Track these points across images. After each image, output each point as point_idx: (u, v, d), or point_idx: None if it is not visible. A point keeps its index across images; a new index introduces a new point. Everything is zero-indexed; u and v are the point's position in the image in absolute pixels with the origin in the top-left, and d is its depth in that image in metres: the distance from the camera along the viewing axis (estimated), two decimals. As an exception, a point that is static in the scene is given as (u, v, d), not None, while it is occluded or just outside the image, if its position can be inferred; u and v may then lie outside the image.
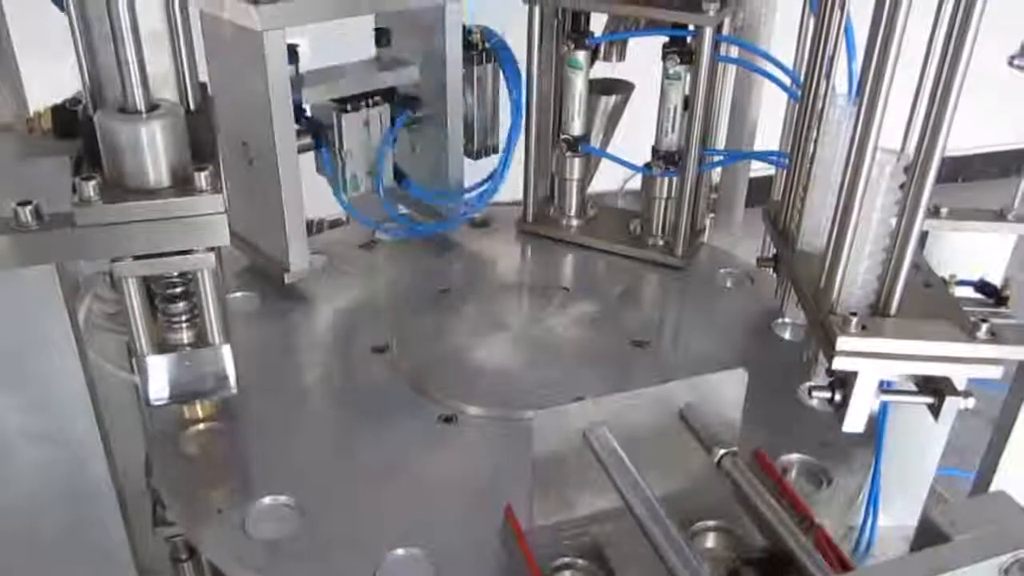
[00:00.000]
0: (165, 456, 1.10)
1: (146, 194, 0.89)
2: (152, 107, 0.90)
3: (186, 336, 1.03)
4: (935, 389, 1.04)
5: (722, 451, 0.88)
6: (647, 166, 1.55)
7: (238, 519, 1.01)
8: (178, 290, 1.01)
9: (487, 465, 1.12)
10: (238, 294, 1.43)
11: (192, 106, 0.97)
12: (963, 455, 1.39)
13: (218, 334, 1.01)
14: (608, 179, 1.85)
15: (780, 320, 1.38)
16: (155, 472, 1.11)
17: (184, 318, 1.02)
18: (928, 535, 0.72)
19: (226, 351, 1.02)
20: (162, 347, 1.01)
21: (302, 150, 1.39)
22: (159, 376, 1.01)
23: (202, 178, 0.88)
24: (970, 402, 1.02)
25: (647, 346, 1.33)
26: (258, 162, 1.37)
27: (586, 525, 0.93)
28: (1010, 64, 1.39)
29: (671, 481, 0.93)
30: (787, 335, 1.37)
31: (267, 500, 1.03)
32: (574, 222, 1.65)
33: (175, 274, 0.99)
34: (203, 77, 1.13)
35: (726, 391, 0.93)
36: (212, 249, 0.94)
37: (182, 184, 0.90)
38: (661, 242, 1.57)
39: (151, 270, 0.93)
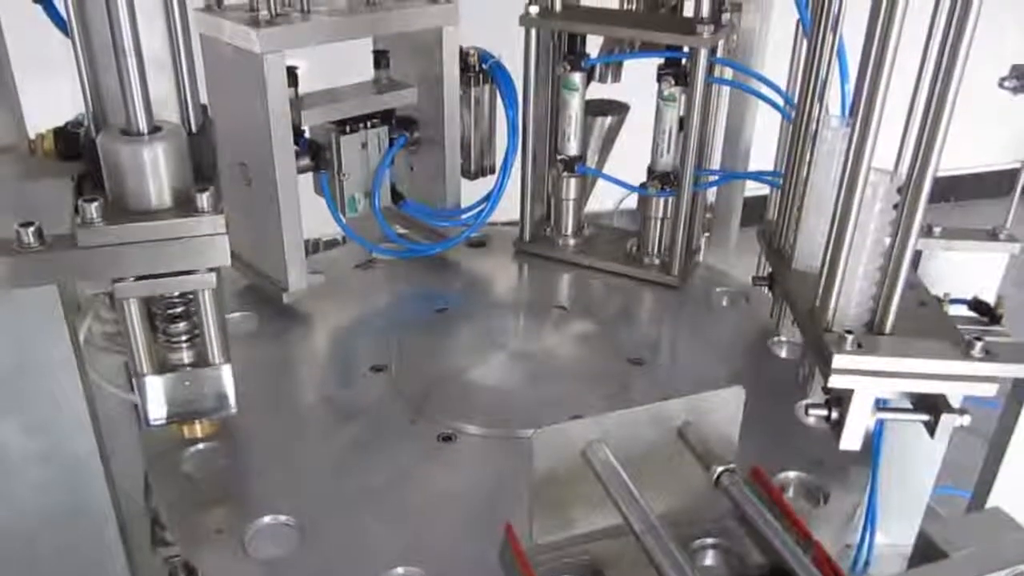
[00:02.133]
0: (164, 476, 1.10)
1: (148, 215, 0.89)
2: (154, 129, 0.90)
3: (186, 356, 1.03)
4: (931, 406, 1.05)
5: (720, 468, 0.89)
6: (643, 186, 1.56)
7: (237, 539, 1.01)
8: (179, 310, 1.01)
9: (486, 484, 1.12)
10: (237, 314, 1.43)
11: (193, 128, 0.98)
12: (958, 474, 1.40)
13: (219, 354, 1.01)
14: (604, 199, 1.87)
15: (776, 339, 1.39)
16: (154, 492, 1.11)
17: (184, 338, 1.02)
18: (925, 552, 0.73)
19: (226, 371, 1.02)
20: (162, 367, 1.02)
21: (300, 171, 1.40)
22: (158, 396, 1.01)
23: (203, 199, 0.89)
24: (965, 419, 1.03)
25: (644, 365, 1.34)
26: (257, 183, 1.38)
27: (586, 543, 0.93)
28: (1000, 86, 1.41)
29: (670, 498, 0.94)
30: (783, 353, 1.38)
31: (266, 520, 1.03)
32: (571, 242, 1.66)
33: (176, 294, 1.00)
34: (203, 99, 1.14)
35: (724, 409, 0.94)
36: (213, 269, 0.94)
37: (184, 205, 0.90)
38: (657, 261, 1.59)
39: (152, 290, 0.94)
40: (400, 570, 0.97)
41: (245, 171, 1.39)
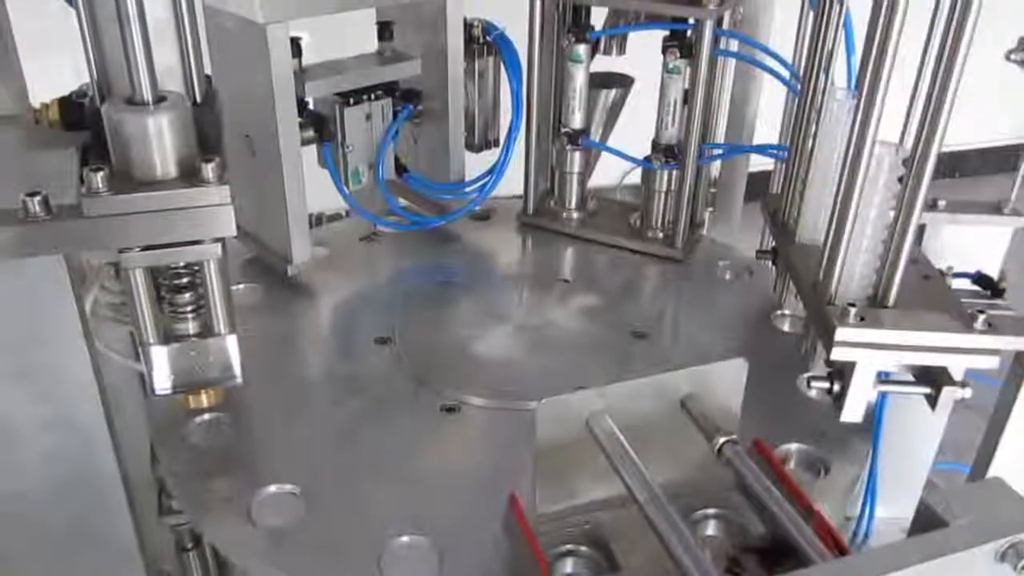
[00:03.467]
0: (170, 446, 1.11)
1: (153, 185, 0.89)
2: (159, 99, 0.90)
3: (192, 327, 1.03)
4: (932, 379, 1.05)
5: (723, 439, 0.89)
6: (647, 159, 1.56)
7: (243, 507, 1.02)
8: (184, 280, 1.01)
9: (490, 454, 1.13)
10: (241, 286, 1.44)
11: (198, 98, 0.98)
12: (958, 449, 1.40)
13: (224, 324, 1.01)
14: (607, 173, 1.86)
15: (779, 312, 1.39)
16: (160, 461, 1.12)
17: (190, 309, 1.03)
18: (925, 520, 0.73)
19: (231, 341, 1.03)
20: (167, 337, 1.02)
21: (304, 143, 1.40)
22: (164, 365, 1.02)
23: (209, 169, 0.89)
24: (967, 392, 1.04)
25: (647, 338, 1.35)
26: (260, 155, 1.37)
27: (589, 513, 0.94)
28: (1007, 58, 1.40)
29: (672, 469, 0.95)
30: (786, 327, 1.38)
31: (272, 488, 1.04)
32: (574, 215, 1.66)
33: (181, 264, 1.00)
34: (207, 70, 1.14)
35: (726, 380, 0.95)
36: (219, 240, 0.95)
37: (189, 175, 0.90)
38: (661, 235, 1.59)
39: (158, 260, 0.94)
40: (405, 538, 0.98)
41: (249, 143, 1.39)
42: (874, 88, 0.98)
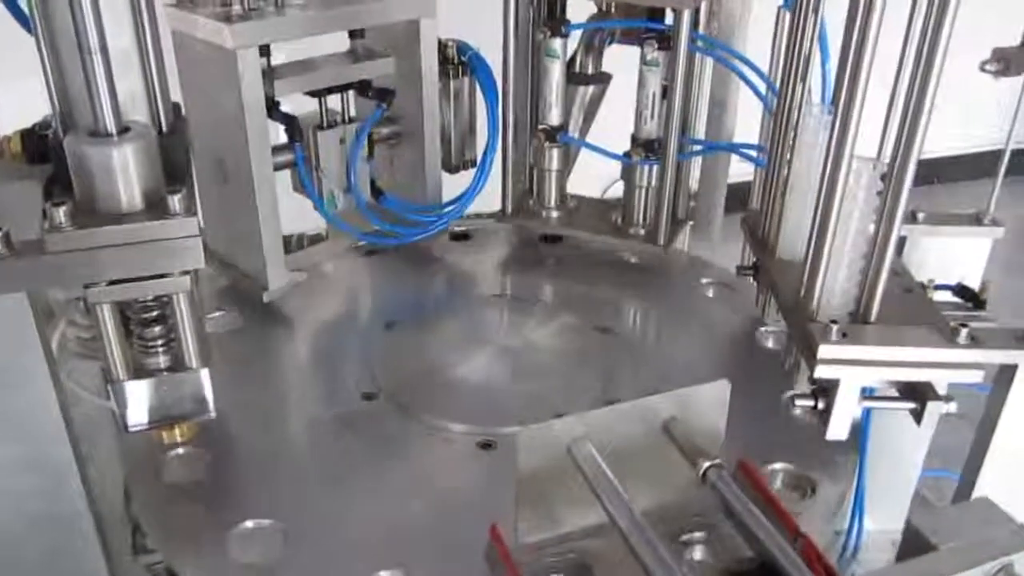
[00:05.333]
0: (143, 482, 1.08)
1: (118, 218, 0.87)
2: (123, 129, 0.88)
3: (163, 360, 1.01)
4: (917, 394, 1.04)
5: (706, 463, 0.88)
6: (627, 154, 1.55)
7: (219, 544, 0.99)
8: (154, 314, 0.99)
9: (472, 483, 1.11)
10: (217, 313, 1.41)
11: (164, 127, 0.96)
12: (947, 456, 1.39)
13: (195, 358, 0.99)
14: (588, 184, 1.84)
15: (763, 329, 1.38)
16: (133, 498, 1.09)
17: (160, 342, 1.00)
18: (914, 544, 0.72)
19: (204, 374, 1.01)
20: (138, 372, 1.00)
21: (278, 167, 1.38)
22: (136, 402, 0.99)
23: (175, 201, 0.87)
24: (952, 406, 1.03)
25: (628, 357, 1.33)
26: (233, 180, 1.35)
27: (573, 541, 0.92)
28: (981, 69, 1.40)
29: (657, 494, 0.93)
30: (770, 344, 1.37)
31: (249, 524, 1.02)
32: (554, 213, 1.65)
33: (150, 298, 0.98)
34: (176, 96, 1.12)
35: (709, 403, 0.93)
36: (187, 272, 0.93)
37: (155, 207, 0.88)
38: (643, 231, 1.57)
39: (125, 295, 0.92)
40: (384, 573, 0.95)
41: (221, 168, 1.37)
42: (850, 102, 0.97)
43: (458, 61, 1.54)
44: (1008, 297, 1.39)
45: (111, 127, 0.87)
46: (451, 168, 1.62)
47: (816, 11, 1.18)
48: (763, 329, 1.37)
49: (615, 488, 0.84)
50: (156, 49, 0.95)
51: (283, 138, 1.41)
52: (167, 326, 1.00)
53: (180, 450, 1.11)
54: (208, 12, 1.27)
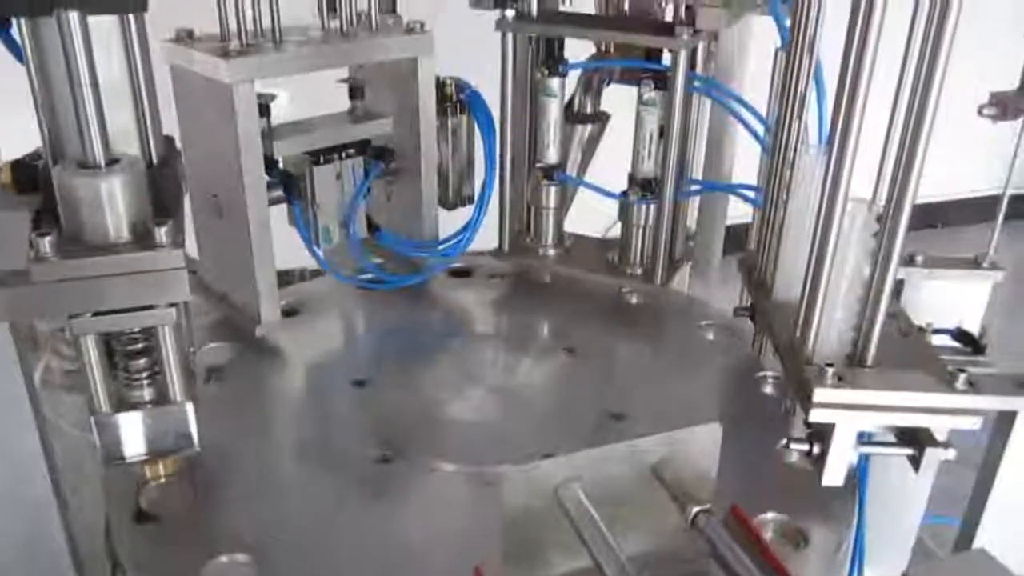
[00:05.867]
0: (122, 514, 1.06)
1: (104, 250, 0.87)
2: (112, 161, 0.88)
3: (147, 393, 1.00)
4: (914, 440, 1.02)
5: (696, 509, 0.85)
6: (624, 193, 1.55)
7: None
8: (139, 346, 0.98)
9: (460, 524, 1.09)
10: (209, 346, 1.40)
11: (155, 159, 0.95)
12: (948, 502, 1.37)
13: (180, 392, 0.98)
14: (588, 224, 1.84)
15: (762, 374, 1.36)
16: (113, 533, 1.07)
17: (145, 375, 0.99)
18: (908, 597, 0.69)
19: (189, 409, 0.99)
20: (122, 404, 0.98)
21: (272, 203, 1.38)
22: (118, 435, 0.98)
23: (162, 233, 0.86)
24: (950, 453, 1.01)
25: (625, 403, 1.31)
26: (228, 215, 1.35)
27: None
28: (979, 114, 1.40)
29: (647, 538, 0.91)
30: (769, 390, 1.35)
31: (223, 559, 1.00)
32: (551, 252, 1.64)
33: (136, 329, 0.97)
34: (172, 129, 1.12)
35: (700, 445, 0.91)
36: (174, 305, 0.92)
37: (142, 239, 0.88)
38: (640, 271, 1.57)
39: (110, 327, 0.91)
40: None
41: (216, 203, 1.36)
42: (844, 144, 0.97)
43: (456, 99, 1.55)
44: (1009, 341, 1.38)
45: (99, 158, 0.87)
46: (448, 205, 1.62)
47: (811, 50, 1.18)
48: (760, 374, 1.35)
49: (602, 533, 0.82)
50: (148, 81, 0.95)
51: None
52: (152, 358, 0.98)
53: (162, 480, 1.09)
54: (205, 47, 1.27)
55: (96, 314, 0.89)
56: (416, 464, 1.17)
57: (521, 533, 0.86)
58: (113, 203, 0.87)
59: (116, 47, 0.90)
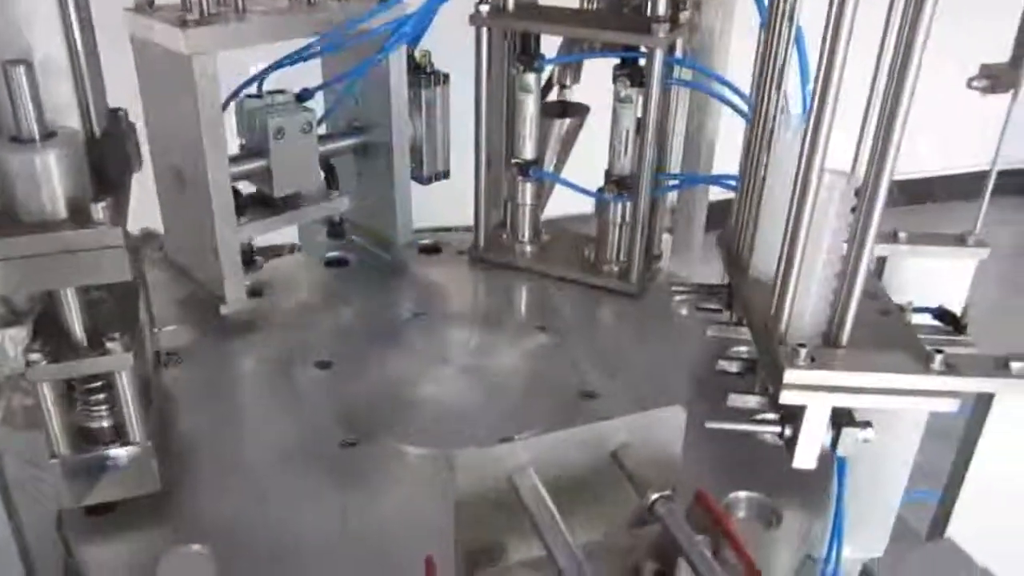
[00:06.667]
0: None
1: (39, 227, 0.83)
2: (48, 135, 0.84)
3: (106, 423, 0.98)
4: (832, 420, 0.99)
5: (655, 495, 0.82)
6: (600, 191, 1.50)
7: (149, 568, 0.94)
8: (98, 383, 0.96)
9: (426, 509, 1.05)
10: (173, 327, 1.37)
11: (97, 133, 0.91)
12: (939, 475, 1.34)
13: (139, 432, 0.96)
14: (577, 201, 1.80)
15: (736, 350, 1.32)
16: (65, 524, 1.03)
17: (104, 408, 0.97)
18: (868, 590, 0.67)
19: (148, 450, 0.97)
20: (83, 437, 0.97)
21: (236, 178, 1.34)
22: (77, 479, 0.96)
23: (99, 210, 0.83)
24: (869, 433, 0.99)
25: (598, 376, 1.28)
26: (191, 189, 1.31)
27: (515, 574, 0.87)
28: (968, 86, 1.36)
29: (607, 526, 0.88)
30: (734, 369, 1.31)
31: (180, 549, 0.96)
32: (527, 248, 1.60)
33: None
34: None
35: (663, 429, 0.88)
36: (128, 348, 0.91)
37: (79, 216, 0.84)
38: (616, 268, 1.52)
39: (67, 374, 0.90)
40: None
41: (179, 176, 1.33)
42: (821, 113, 0.93)
43: (431, 70, 1.50)
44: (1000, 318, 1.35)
45: (34, 132, 0.83)
46: (423, 180, 1.58)
47: (791, 18, 1.13)
48: (736, 350, 1.32)
49: (556, 521, 0.79)
50: (91, 53, 0.91)
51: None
52: (112, 394, 0.96)
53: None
54: (165, 17, 1.23)
55: (51, 362, 0.88)
56: (382, 448, 1.14)
57: (475, 520, 0.83)
58: (48, 179, 0.83)
59: (53, 17, 0.86)
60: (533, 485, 0.82)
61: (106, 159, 0.90)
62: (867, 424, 0.98)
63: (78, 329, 0.91)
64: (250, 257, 1.44)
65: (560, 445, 0.85)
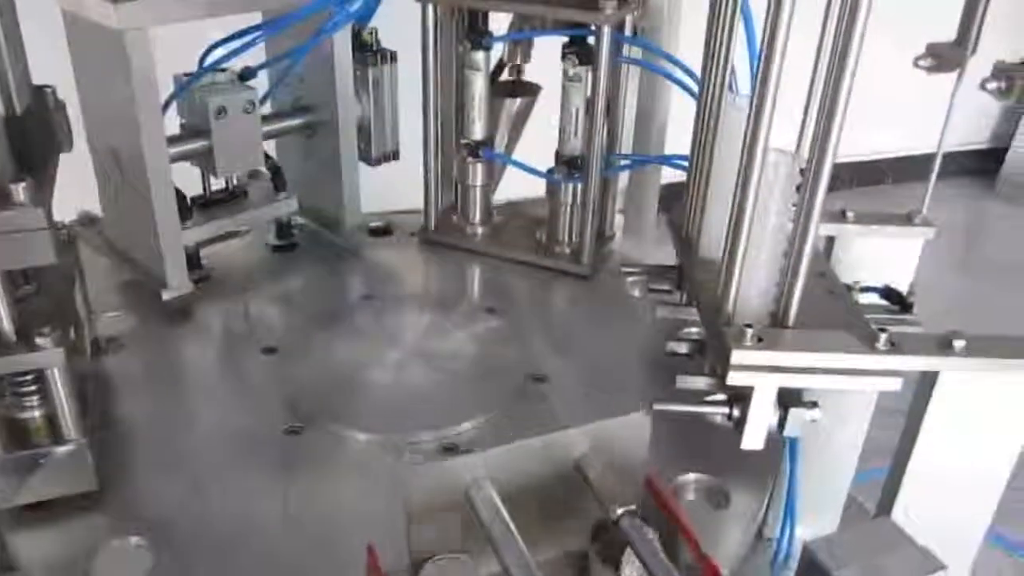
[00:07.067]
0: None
1: (-43, 210, 0.79)
2: (-38, 112, 0.80)
3: (38, 413, 0.96)
4: (780, 400, 0.99)
5: (620, 510, 0.80)
6: (550, 171, 1.48)
7: (86, 561, 0.91)
8: (29, 376, 0.94)
9: (372, 496, 1.03)
10: (112, 313, 1.33)
11: (18, 110, 0.87)
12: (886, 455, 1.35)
13: (74, 429, 0.94)
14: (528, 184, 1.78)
15: (686, 331, 1.32)
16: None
17: (36, 399, 0.95)
18: (808, 570, 0.66)
19: (83, 447, 0.95)
20: (12, 429, 0.94)
21: (175, 159, 1.30)
22: (9, 477, 0.93)
23: (20, 191, 0.79)
24: (815, 413, 0.99)
25: (548, 359, 1.27)
26: (128, 172, 1.27)
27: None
28: (915, 65, 1.36)
29: (569, 540, 0.86)
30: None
31: (116, 543, 0.94)
32: (479, 230, 1.58)
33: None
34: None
35: (627, 438, 0.85)
36: (60, 344, 0.88)
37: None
38: (568, 250, 1.51)
39: None
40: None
41: (116, 158, 1.28)
42: (765, 91, 0.92)
43: (377, 48, 1.47)
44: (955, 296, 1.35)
45: (-53, 109, 0.79)
46: (371, 161, 1.55)
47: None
48: (686, 331, 1.31)
49: (514, 537, 0.75)
50: (10, 29, 0.87)
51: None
52: (42, 386, 0.93)
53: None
54: (98, -10, 1.18)
55: None
56: (326, 434, 1.12)
57: (430, 535, 0.80)
58: (-37, 158, 0.79)
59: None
60: (490, 499, 0.79)
61: (29, 138, 0.87)
62: (814, 404, 0.97)
63: (5, 323, 0.88)
64: (196, 261, 1.42)
65: (519, 456, 0.82)
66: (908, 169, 4.15)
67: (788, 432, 0.99)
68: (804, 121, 1.00)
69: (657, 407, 1.04)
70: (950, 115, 1.27)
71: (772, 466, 1.12)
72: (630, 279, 1.45)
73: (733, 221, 1.00)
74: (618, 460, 0.85)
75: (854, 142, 0.97)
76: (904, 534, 0.68)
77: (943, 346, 0.96)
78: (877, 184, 4.13)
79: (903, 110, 3.35)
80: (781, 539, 1.33)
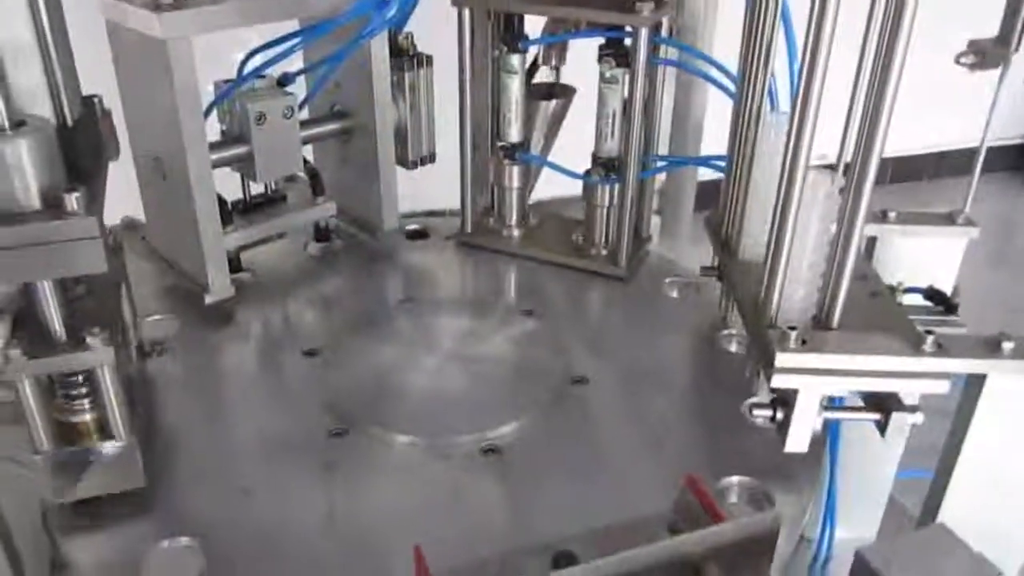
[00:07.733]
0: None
1: (11, 219, 0.81)
2: (18, 123, 0.82)
3: (88, 416, 0.97)
4: (881, 405, 0.98)
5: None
6: (587, 173, 1.48)
7: (136, 562, 0.93)
8: (79, 378, 0.95)
9: (416, 498, 1.04)
10: (157, 317, 1.35)
11: (69, 121, 0.89)
12: (926, 454, 1.33)
13: (123, 428, 0.95)
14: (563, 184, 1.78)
15: (726, 332, 1.32)
16: (50, 518, 1.02)
17: (87, 402, 0.96)
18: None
19: (132, 444, 0.96)
20: (64, 432, 0.96)
21: (217, 165, 1.31)
22: (61, 475, 0.95)
23: (73, 200, 0.81)
24: (918, 417, 0.97)
25: (587, 361, 1.27)
26: (171, 178, 1.29)
27: None
28: (956, 62, 1.34)
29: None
30: (733, 347, 1.31)
31: (164, 544, 0.95)
32: (515, 232, 1.58)
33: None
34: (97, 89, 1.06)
35: (754, 538, 0.77)
36: (109, 344, 0.89)
37: (53, 207, 0.82)
38: (604, 252, 1.51)
39: (46, 369, 0.89)
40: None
41: (159, 165, 1.30)
42: (804, 117, 0.91)
43: (413, 53, 1.48)
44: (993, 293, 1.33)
45: (2, 120, 0.80)
46: (408, 164, 1.56)
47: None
48: (726, 332, 1.31)
49: None
50: (61, 40, 0.88)
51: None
52: (92, 386, 0.95)
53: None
54: (140, 1, 1.20)
55: (31, 357, 0.87)
56: (370, 437, 1.12)
57: None
58: (19, 168, 0.80)
59: (19, 2, 0.83)
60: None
61: (79, 147, 0.88)
62: (916, 408, 0.96)
63: (56, 324, 0.90)
64: (237, 265, 1.44)
65: (633, 565, 0.74)
66: (940, 164, 4.10)
67: (890, 437, 0.97)
68: (847, 123, 0.99)
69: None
70: (992, 113, 1.25)
71: (814, 469, 1.11)
72: (668, 280, 1.45)
73: (776, 228, 0.99)
74: (742, 561, 0.78)
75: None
76: (959, 540, 0.68)
77: (991, 348, 0.95)
78: (915, 180, 4.08)
79: (938, 106, 3.31)
80: (821, 541, 1.32)
